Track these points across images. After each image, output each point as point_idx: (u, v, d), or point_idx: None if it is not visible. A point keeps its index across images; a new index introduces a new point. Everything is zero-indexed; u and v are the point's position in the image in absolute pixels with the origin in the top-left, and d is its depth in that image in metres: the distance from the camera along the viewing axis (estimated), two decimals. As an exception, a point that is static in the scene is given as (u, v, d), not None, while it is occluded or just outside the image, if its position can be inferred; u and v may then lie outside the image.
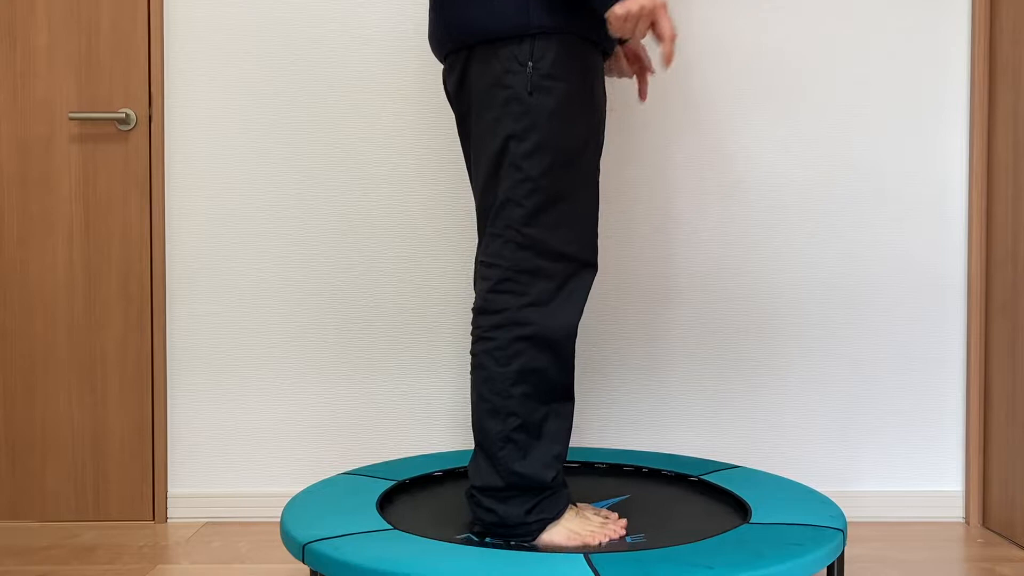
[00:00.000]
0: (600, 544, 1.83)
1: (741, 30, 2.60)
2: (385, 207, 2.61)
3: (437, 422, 2.63)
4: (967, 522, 2.62)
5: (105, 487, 2.62)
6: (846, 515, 1.97)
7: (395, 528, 1.84)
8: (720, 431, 2.64)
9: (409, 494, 2.17)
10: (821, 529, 1.83)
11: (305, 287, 2.62)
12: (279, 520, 1.99)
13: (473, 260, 2.60)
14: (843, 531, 1.85)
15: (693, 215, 2.62)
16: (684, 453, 2.60)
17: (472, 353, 1.88)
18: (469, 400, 2.61)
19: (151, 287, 2.61)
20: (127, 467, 2.62)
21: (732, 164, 2.61)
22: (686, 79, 2.60)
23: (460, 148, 2.58)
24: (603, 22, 1.76)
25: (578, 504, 1.97)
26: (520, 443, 1.82)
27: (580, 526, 1.86)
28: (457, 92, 1.95)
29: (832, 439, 2.64)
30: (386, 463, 2.34)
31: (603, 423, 2.62)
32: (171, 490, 2.63)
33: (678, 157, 2.61)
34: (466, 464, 2.31)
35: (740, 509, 2.01)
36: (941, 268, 2.63)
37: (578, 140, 1.83)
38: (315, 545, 1.74)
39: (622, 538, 1.87)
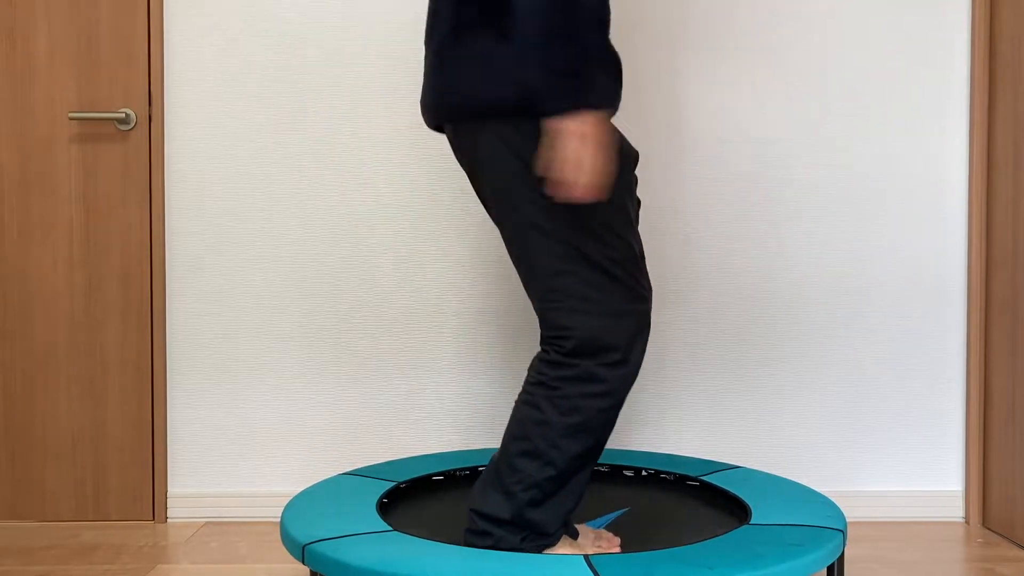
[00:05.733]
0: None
1: (741, 31, 2.60)
2: (385, 207, 2.61)
3: (437, 422, 2.63)
4: (967, 522, 2.62)
5: (105, 487, 2.62)
6: (846, 515, 1.97)
7: (395, 529, 1.84)
8: (720, 431, 2.64)
9: (409, 495, 2.17)
10: (821, 530, 1.83)
11: (305, 287, 2.62)
12: (279, 520, 1.99)
13: (473, 260, 2.61)
14: (843, 531, 1.85)
15: (693, 215, 2.62)
16: (684, 453, 2.60)
17: (526, 391, 1.80)
18: (469, 409, 2.62)
19: (151, 287, 2.61)
20: (127, 467, 2.62)
21: (732, 164, 2.61)
22: (686, 79, 2.60)
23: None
24: (604, 87, 1.69)
25: (576, 526, 1.95)
26: (546, 492, 1.76)
27: (572, 551, 1.84)
28: (469, 161, 1.86)
29: (832, 439, 2.64)
30: (386, 463, 2.34)
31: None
32: (171, 490, 2.64)
33: (677, 158, 2.61)
34: (466, 464, 2.31)
35: (740, 510, 2.01)
36: (941, 268, 2.63)
37: (612, 200, 1.72)
38: (315, 546, 1.74)
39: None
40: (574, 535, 1.87)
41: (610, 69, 1.75)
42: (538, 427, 1.76)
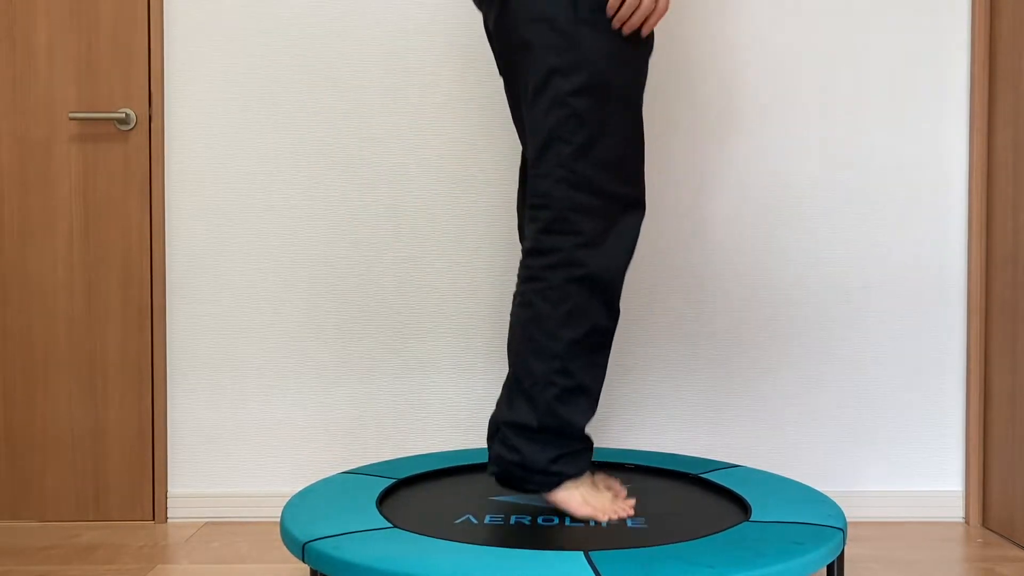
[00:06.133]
0: (606, 521, 1.85)
1: (742, 31, 2.60)
2: (385, 207, 2.61)
3: (437, 422, 2.63)
4: (967, 522, 2.62)
5: (105, 487, 2.62)
6: (846, 515, 1.97)
7: (395, 526, 1.83)
8: (720, 431, 2.64)
9: (409, 492, 2.16)
10: (821, 528, 1.83)
11: (305, 287, 2.62)
12: (279, 520, 1.98)
13: (473, 260, 2.61)
14: (843, 530, 1.85)
15: (693, 215, 2.62)
16: (684, 453, 2.60)
17: (519, 292, 1.86)
18: (469, 409, 2.62)
19: (151, 287, 2.61)
20: (127, 467, 2.62)
21: (732, 164, 2.61)
22: (686, 79, 2.60)
23: (460, 148, 2.59)
24: None
25: (595, 473, 1.98)
26: (561, 386, 1.81)
27: (593, 496, 1.87)
28: (497, 26, 1.90)
29: (832, 439, 2.63)
30: (386, 462, 2.34)
31: (604, 423, 2.62)
32: (171, 490, 2.63)
33: (677, 157, 2.61)
34: (465, 463, 2.31)
35: (740, 508, 2.01)
36: (941, 268, 2.63)
37: (625, 75, 1.80)
38: (315, 544, 1.74)
39: (623, 521, 1.88)
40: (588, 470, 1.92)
41: None
42: (535, 323, 1.81)
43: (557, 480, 1.85)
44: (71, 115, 2.55)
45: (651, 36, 1.88)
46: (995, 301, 2.55)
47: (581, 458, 1.88)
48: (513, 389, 1.86)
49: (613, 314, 1.86)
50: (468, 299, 2.62)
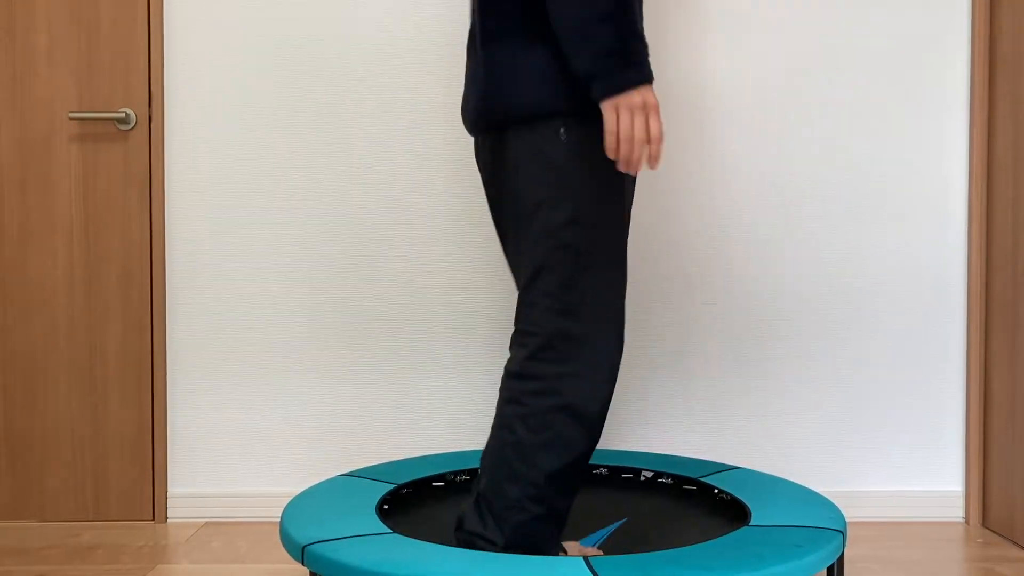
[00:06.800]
0: None
1: (742, 31, 2.60)
2: (385, 208, 2.61)
3: (437, 424, 2.63)
4: (967, 522, 2.62)
5: (105, 487, 2.62)
6: (846, 515, 1.98)
7: (394, 532, 1.84)
8: (720, 431, 2.64)
9: (408, 497, 2.17)
10: (821, 531, 1.83)
11: (305, 287, 2.62)
12: (279, 520, 1.99)
13: (473, 260, 2.61)
14: (843, 532, 1.85)
15: (692, 215, 2.61)
16: (684, 454, 2.60)
17: (500, 413, 1.85)
18: (469, 410, 2.62)
19: (151, 287, 2.61)
20: (127, 467, 2.62)
21: (732, 164, 2.61)
22: (686, 80, 2.60)
23: (459, 148, 2.59)
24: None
25: (566, 544, 1.96)
26: (533, 513, 1.79)
27: None
28: (491, 166, 1.92)
29: (832, 439, 2.64)
30: (386, 464, 2.34)
31: (604, 425, 2.61)
32: (171, 490, 2.64)
33: (676, 157, 2.61)
34: (465, 466, 2.32)
35: (740, 511, 2.01)
36: (941, 268, 2.63)
37: (610, 209, 1.81)
38: (314, 547, 1.74)
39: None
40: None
41: (642, 41, 1.77)
42: (514, 448, 1.80)
43: None
44: (71, 115, 2.55)
45: (632, 178, 1.88)
46: (995, 301, 2.55)
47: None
48: (480, 507, 1.84)
49: (593, 442, 1.85)
50: (468, 300, 2.62)
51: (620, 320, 1.85)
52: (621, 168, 1.71)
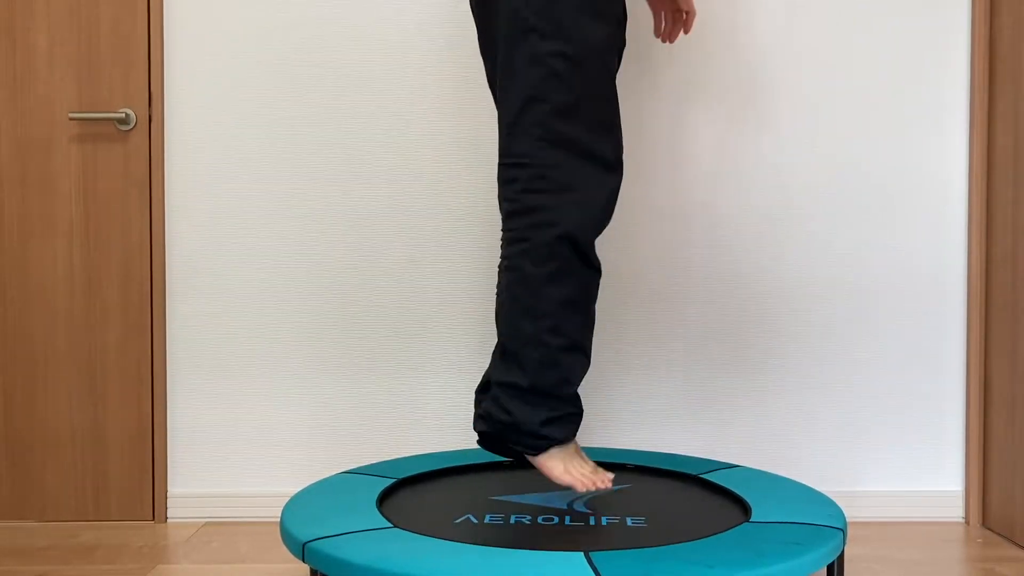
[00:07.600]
0: (585, 491, 1.89)
1: (741, 32, 2.60)
2: (385, 207, 2.61)
3: (436, 422, 2.63)
4: (967, 522, 2.62)
5: (105, 487, 2.62)
6: (846, 515, 1.97)
7: (395, 526, 1.83)
8: (720, 431, 2.63)
9: (409, 492, 2.17)
10: (821, 528, 1.83)
11: (305, 287, 2.62)
12: (279, 520, 1.98)
13: (473, 260, 2.61)
14: (843, 530, 1.85)
15: (693, 214, 2.62)
16: (684, 452, 2.60)
17: (505, 256, 1.87)
18: (469, 409, 2.62)
19: (151, 287, 2.61)
20: (127, 467, 2.62)
21: (732, 164, 2.61)
22: (686, 80, 2.60)
23: (459, 148, 2.59)
24: None
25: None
26: (551, 346, 1.82)
27: (575, 466, 1.88)
28: (480, 2, 1.93)
29: (832, 439, 2.63)
30: (385, 462, 2.34)
31: (603, 423, 2.62)
32: (171, 490, 2.63)
33: (677, 156, 2.61)
34: (465, 463, 2.31)
35: (740, 508, 2.01)
36: (941, 268, 2.63)
37: (602, 38, 1.82)
38: (315, 544, 1.74)
39: (624, 520, 1.89)
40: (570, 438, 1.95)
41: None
42: (522, 285, 1.82)
43: (545, 444, 1.86)
44: (71, 115, 2.55)
45: (625, 7, 1.90)
46: (995, 301, 2.55)
47: (570, 423, 1.89)
48: (502, 353, 1.87)
49: (593, 269, 1.87)
50: (467, 300, 2.62)
51: (616, 150, 1.86)
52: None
